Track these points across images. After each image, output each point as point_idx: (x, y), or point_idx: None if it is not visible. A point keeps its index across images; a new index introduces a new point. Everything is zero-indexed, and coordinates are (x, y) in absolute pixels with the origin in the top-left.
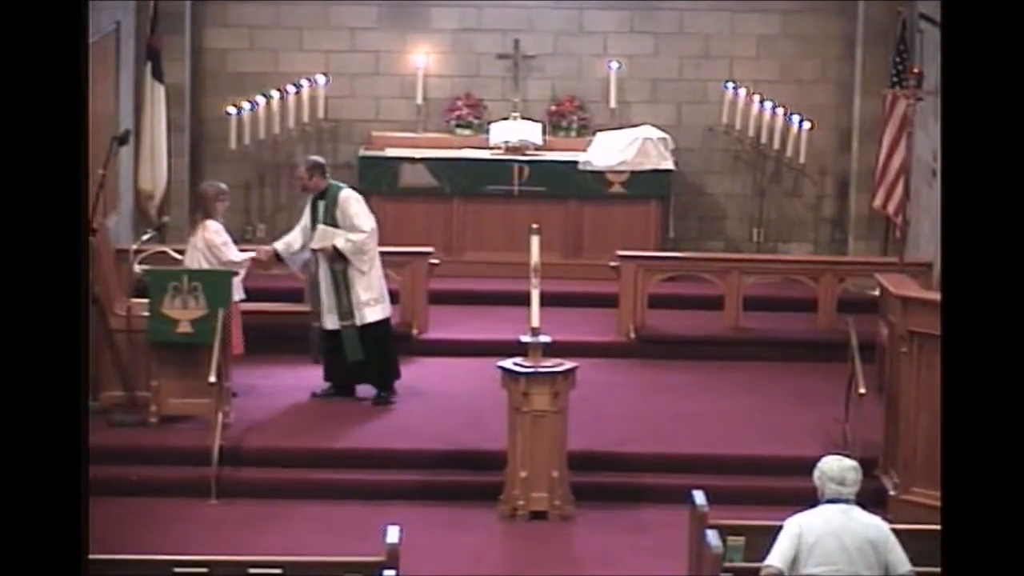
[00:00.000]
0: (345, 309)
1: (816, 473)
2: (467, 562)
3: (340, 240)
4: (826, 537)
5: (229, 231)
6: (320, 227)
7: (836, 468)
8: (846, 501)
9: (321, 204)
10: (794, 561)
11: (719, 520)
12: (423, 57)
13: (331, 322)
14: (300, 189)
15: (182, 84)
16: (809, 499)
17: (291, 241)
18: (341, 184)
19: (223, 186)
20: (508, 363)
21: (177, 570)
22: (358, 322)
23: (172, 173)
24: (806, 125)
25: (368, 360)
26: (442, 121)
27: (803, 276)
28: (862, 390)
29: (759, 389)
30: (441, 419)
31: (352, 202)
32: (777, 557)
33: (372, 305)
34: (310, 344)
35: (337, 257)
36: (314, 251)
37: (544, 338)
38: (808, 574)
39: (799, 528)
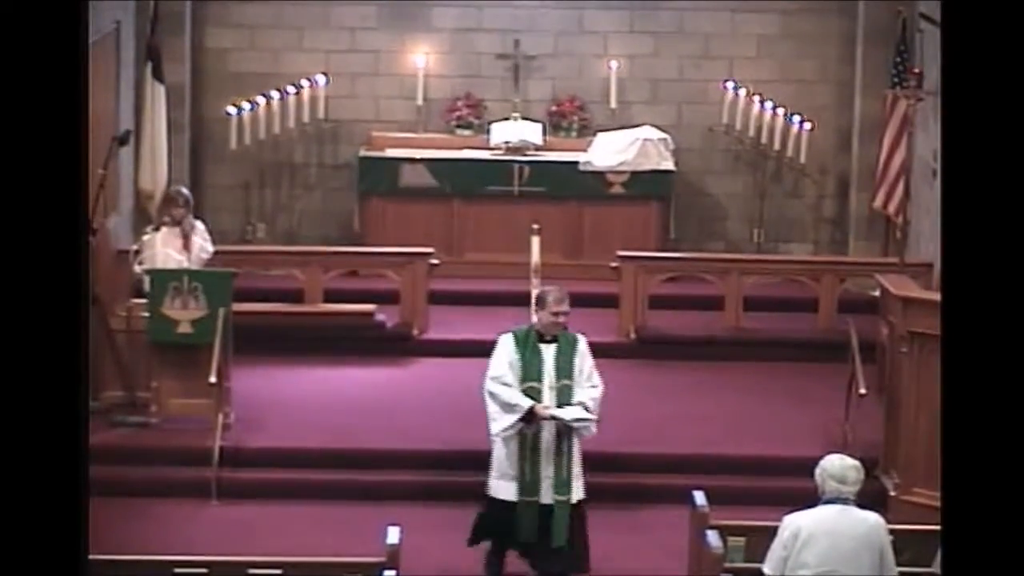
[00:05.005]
0: (563, 481)
1: (818, 471)
2: (467, 562)
3: (588, 400)
4: (819, 537)
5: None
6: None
7: (838, 466)
8: (844, 501)
9: (550, 350)
10: (785, 561)
11: (720, 521)
12: (423, 57)
13: (547, 495)
14: (553, 328)
15: (182, 84)
16: (809, 499)
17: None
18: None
19: (179, 191)
20: None
21: (177, 570)
22: (573, 498)
23: (172, 173)
24: (806, 125)
25: (571, 545)
26: (442, 121)
27: (803, 276)
28: (862, 390)
29: (759, 389)
30: (441, 419)
31: (588, 350)
32: (769, 564)
33: (580, 479)
34: (486, 527)
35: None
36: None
37: None
38: (801, 575)
39: (792, 528)
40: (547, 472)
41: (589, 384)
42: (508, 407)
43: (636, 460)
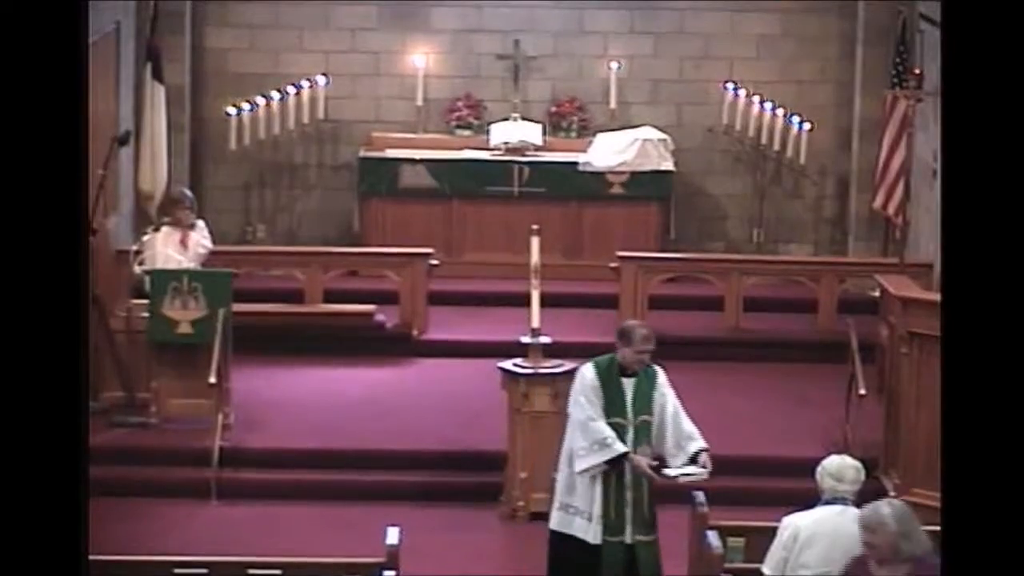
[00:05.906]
0: (644, 520)
1: (818, 469)
2: (467, 563)
3: (703, 452)
4: (819, 538)
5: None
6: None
7: (836, 464)
8: (843, 501)
9: (630, 384)
10: (785, 562)
11: (719, 521)
12: (423, 57)
13: (629, 535)
14: (637, 365)
15: (182, 84)
16: (810, 500)
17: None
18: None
19: (184, 193)
20: (508, 364)
21: (177, 571)
22: (657, 533)
23: (172, 173)
24: (806, 125)
25: None
26: (442, 122)
27: (803, 277)
28: (862, 391)
29: (759, 389)
30: (441, 419)
31: (668, 383)
32: (769, 564)
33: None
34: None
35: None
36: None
37: (544, 339)
38: (800, 575)
39: (791, 529)
40: (627, 510)
41: (685, 432)
42: (601, 446)
43: None
